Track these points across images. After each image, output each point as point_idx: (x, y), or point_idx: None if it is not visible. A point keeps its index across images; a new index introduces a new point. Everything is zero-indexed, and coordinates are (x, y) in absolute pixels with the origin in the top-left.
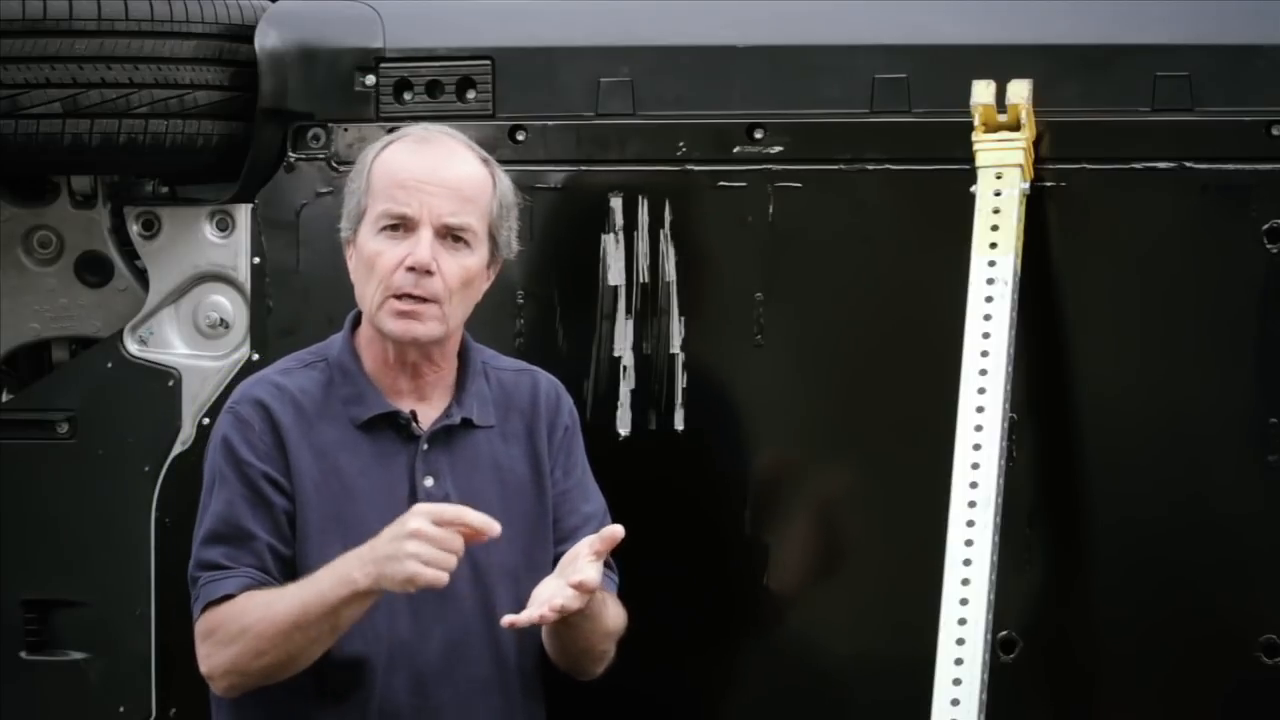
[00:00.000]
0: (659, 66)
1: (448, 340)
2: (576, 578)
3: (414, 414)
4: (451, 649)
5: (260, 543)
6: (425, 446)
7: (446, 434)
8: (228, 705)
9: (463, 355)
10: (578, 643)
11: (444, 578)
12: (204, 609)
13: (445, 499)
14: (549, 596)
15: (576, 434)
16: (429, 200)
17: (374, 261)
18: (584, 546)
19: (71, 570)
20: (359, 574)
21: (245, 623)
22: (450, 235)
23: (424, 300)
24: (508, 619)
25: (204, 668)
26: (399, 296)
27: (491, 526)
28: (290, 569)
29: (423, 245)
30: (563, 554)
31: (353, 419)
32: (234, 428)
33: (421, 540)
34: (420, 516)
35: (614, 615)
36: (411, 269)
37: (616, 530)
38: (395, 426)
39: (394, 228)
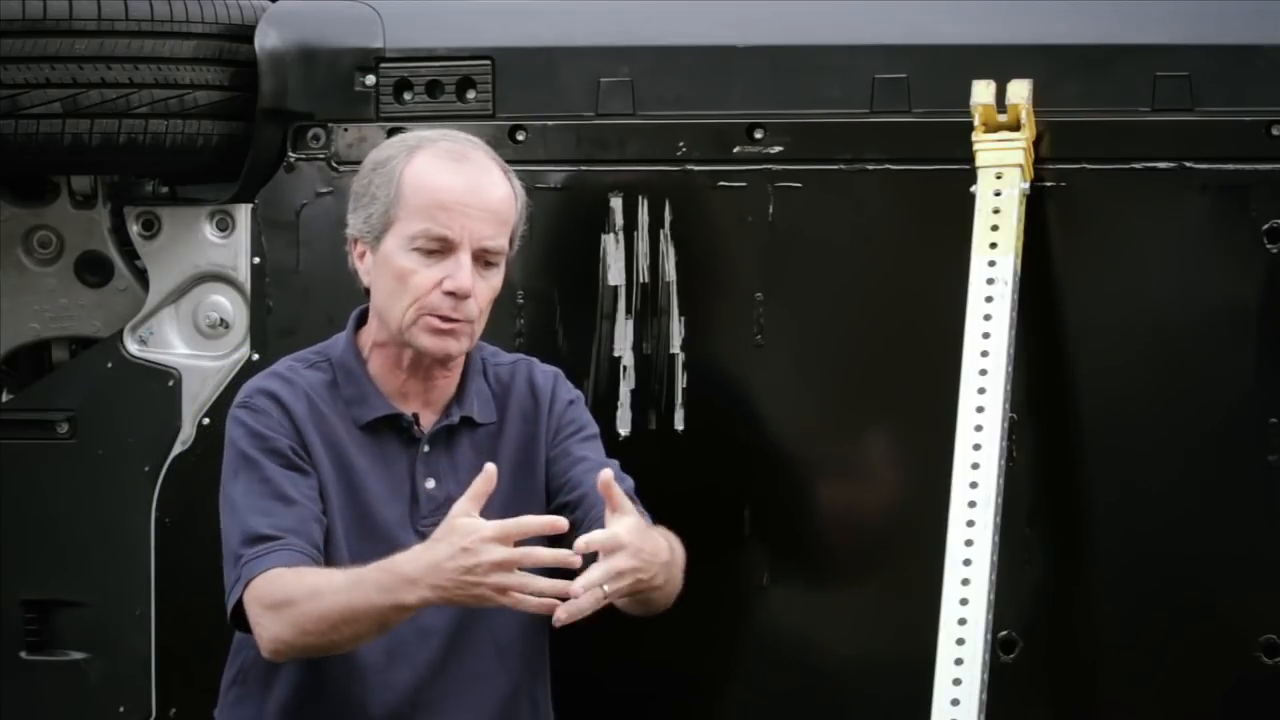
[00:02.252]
0: (659, 66)
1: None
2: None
3: (416, 417)
4: (451, 642)
5: (303, 508)
6: (426, 448)
7: (447, 434)
8: (230, 703)
9: (467, 356)
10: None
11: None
12: (250, 580)
13: (447, 501)
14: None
15: (581, 406)
16: (470, 224)
17: (407, 279)
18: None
19: (71, 570)
20: (410, 596)
21: (290, 595)
22: (484, 257)
23: (459, 320)
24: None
25: (255, 634)
26: (434, 316)
27: (558, 524)
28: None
29: (464, 270)
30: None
31: (355, 420)
32: (251, 417)
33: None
34: (490, 543)
35: (656, 543)
36: (450, 293)
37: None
38: (397, 429)
39: (429, 248)
